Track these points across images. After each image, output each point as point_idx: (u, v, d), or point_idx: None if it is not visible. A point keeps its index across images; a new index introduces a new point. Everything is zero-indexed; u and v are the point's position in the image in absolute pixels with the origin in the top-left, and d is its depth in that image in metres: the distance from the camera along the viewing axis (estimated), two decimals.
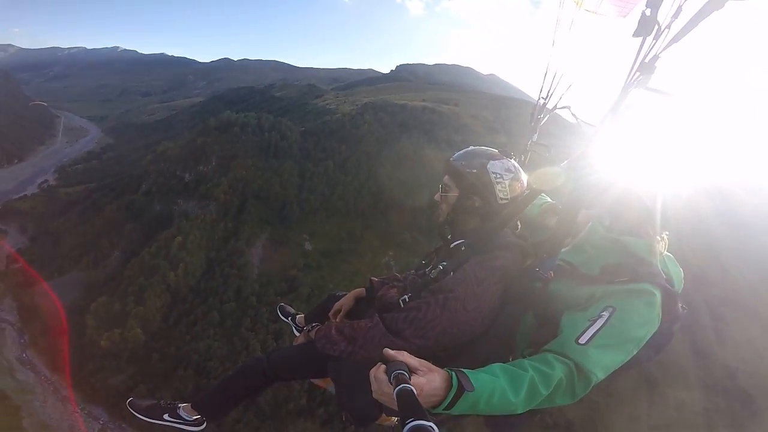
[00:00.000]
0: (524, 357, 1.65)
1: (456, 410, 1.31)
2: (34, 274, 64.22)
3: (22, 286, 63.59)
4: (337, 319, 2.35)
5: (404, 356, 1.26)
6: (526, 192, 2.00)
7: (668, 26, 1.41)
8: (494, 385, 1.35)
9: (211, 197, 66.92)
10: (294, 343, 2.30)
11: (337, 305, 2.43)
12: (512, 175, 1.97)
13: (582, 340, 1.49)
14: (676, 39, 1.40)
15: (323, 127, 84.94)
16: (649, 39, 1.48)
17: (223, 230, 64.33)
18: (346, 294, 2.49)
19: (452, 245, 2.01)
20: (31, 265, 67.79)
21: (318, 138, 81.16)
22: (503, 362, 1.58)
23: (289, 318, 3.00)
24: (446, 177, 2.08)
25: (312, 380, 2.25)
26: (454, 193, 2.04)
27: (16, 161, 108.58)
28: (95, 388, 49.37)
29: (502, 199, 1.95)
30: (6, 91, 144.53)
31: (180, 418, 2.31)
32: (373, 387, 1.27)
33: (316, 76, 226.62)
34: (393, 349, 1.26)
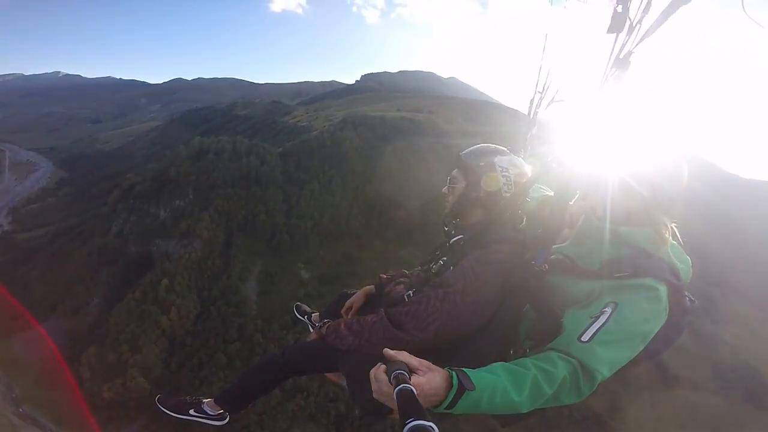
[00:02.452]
0: (525, 350, 1.72)
1: (457, 410, 1.32)
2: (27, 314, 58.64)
3: None
4: (348, 316, 2.45)
5: (404, 356, 1.28)
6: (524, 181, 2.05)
7: (639, 22, 1.44)
8: (495, 385, 1.35)
9: (193, 234, 63.05)
10: (307, 340, 2.29)
11: (348, 303, 2.52)
12: (518, 170, 2.06)
13: (584, 338, 1.48)
14: (647, 34, 1.42)
15: (302, 146, 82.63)
16: (623, 35, 1.52)
17: (212, 267, 60.82)
18: (356, 292, 2.56)
19: (452, 240, 2.09)
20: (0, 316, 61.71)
21: (299, 159, 78.77)
22: (504, 355, 1.72)
23: (305, 317, 3.09)
24: (455, 170, 2.18)
25: (326, 375, 2.26)
26: (461, 185, 2.14)
27: None
28: None
29: (506, 192, 2.02)
30: None
31: (204, 412, 2.43)
32: (374, 387, 1.28)
33: (278, 92, 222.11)
34: (396, 342, 1.33)
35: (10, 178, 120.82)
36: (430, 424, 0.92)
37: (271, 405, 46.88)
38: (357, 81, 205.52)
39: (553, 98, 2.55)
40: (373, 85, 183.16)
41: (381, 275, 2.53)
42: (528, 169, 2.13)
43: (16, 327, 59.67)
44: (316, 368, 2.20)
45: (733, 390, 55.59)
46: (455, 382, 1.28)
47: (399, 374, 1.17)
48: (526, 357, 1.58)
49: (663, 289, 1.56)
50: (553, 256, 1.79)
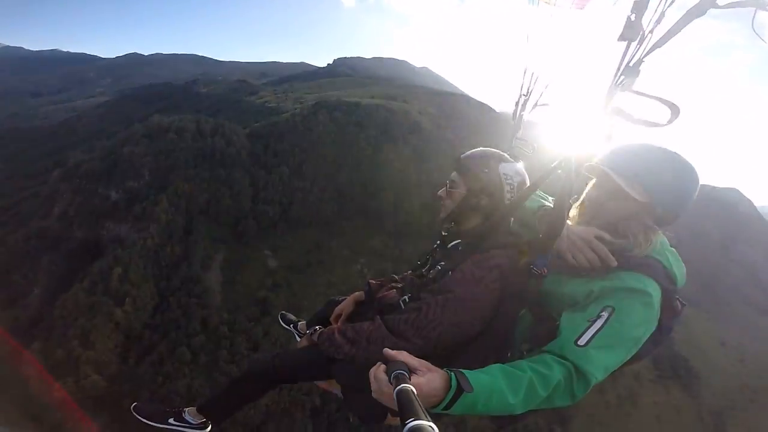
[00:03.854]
0: (522, 353, 1.78)
1: (454, 410, 1.34)
2: None
3: None
4: (338, 323, 2.30)
5: (404, 356, 1.29)
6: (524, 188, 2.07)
7: (651, 31, 1.44)
8: (493, 387, 1.37)
9: (149, 218, 57.60)
10: (297, 347, 2.24)
11: (337, 309, 2.43)
12: (521, 178, 2.04)
13: (581, 342, 1.50)
14: (659, 44, 1.42)
15: (272, 128, 77.81)
16: (633, 43, 1.51)
17: (171, 255, 55.94)
18: (345, 298, 2.47)
19: (449, 245, 2.05)
20: None
21: (267, 141, 74.22)
22: (502, 359, 1.74)
23: (291, 325, 2.93)
24: (455, 174, 2.11)
25: (317, 383, 2.22)
26: (461, 191, 2.08)
27: None
28: None
29: (509, 200, 2.01)
30: None
31: (185, 421, 2.29)
32: (373, 387, 1.29)
33: (243, 71, 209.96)
34: (395, 350, 1.32)
35: None
36: (430, 424, 0.92)
37: None
38: (329, 64, 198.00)
39: (536, 102, 2.51)
40: (345, 70, 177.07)
41: (370, 281, 2.43)
42: (528, 178, 2.08)
43: None
44: (307, 376, 2.13)
45: (670, 380, 60.19)
46: (454, 383, 1.29)
47: (399, 374, 1.17)
48: (527, 357, 1.61)
49: (657, 295, 1.57)
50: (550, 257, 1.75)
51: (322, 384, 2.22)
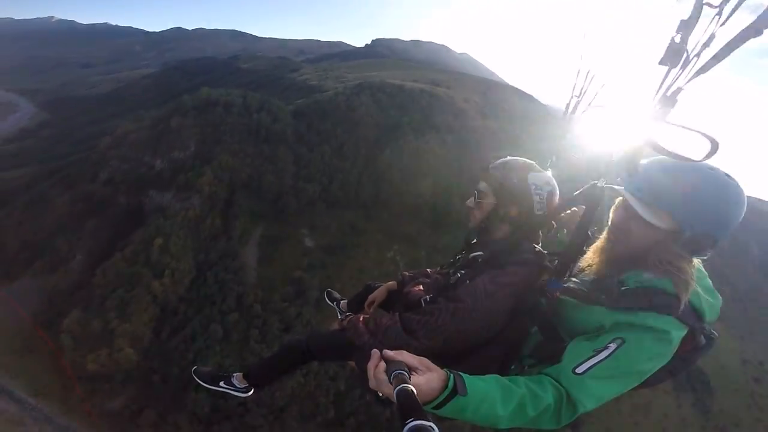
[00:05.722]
0: (524, 367, 1.86)
1: (443, 411, 1.34)
2: None
3: None
4: (371, 310, 2.63)
5: (404, 356, 1.30)
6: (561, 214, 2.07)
7: (697, 55, 1.32)
8: (486, 395, 1.37)
9: (192, 188, 57.21)
10: (330, 329, 2.39)
11: (371, 297, 2.67)
12: (550, 188, 2.03)
13: (579, 370, 1.50)
14: (704, 69, 1.33)
15: (315, 107, 75.92)
16: (675, 69, 1.42)
17: (211, 228, 55.42)
18: (380, 285, 2.70)
19: (471, 255, 2.08)
20: None
21: (311, 120, 72.47)
22: (505, 369, 1.83)
23: (335, 303, 3.23)
24: (483, 184, 2.13)
25: (349, 362, 2.35)
26: (490, 201, 2.10)
27: None
28: (93, 415, 42.49)
29: (538, 211, 2.01)
30: None
31: (233, 385, 2.63)
32: (372, 386, 1.30)
33: (282, 48, 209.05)
34: (405, 346, 1.37)
35: None
36: (430, 424, 0.94)
37: None
38: (367, 45, 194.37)
39: (590, 103, 2.35)
40: (383, 51, 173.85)
41: (404, 272, 2.60)
42: (558, 188, 2.10)
43: None
44: (334, 357, 2.33)
45: (684, 392, 58.42)
46: (450, 384, 1.30)
47: (399, 374, 1.18)
48: (523, 374, 1.66)
49: (678, 334, 1.51)
50: (570, 284, 1.75)
51: (351, 363, 2.27)
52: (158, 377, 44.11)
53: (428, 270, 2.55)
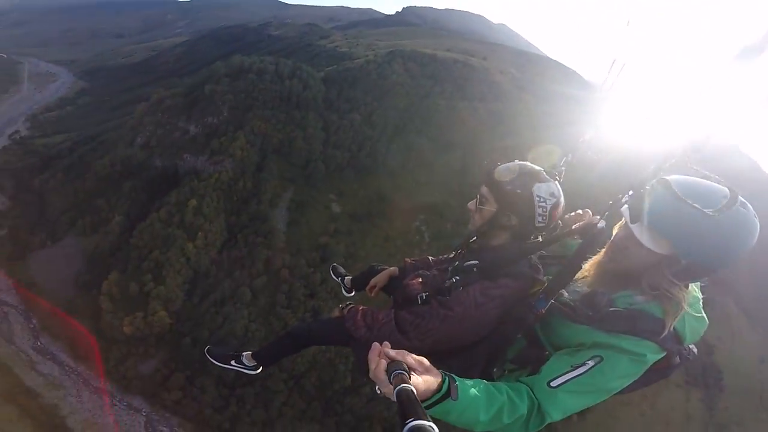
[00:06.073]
0: (505, 371, 1.95)
1: (430, 413, 1.35)
2: None
3: (14, 258, 54.79)
4: (373, 294, 2.79)
5: (404, 356, 1.31)
6: (562, 229, 2.06)
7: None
8: (473, 400, 1.41)
9: (225, 152, 57.71)
10: (331, 316, 2.47)
11: (373, 281, 2.76)
12: (555, 200, 1.99)
13: (554, 383, 1.55)
14: None
15: (345, 74, 74.37)
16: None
17: (242, 191, 56.08)
18: (384, 269, 2.77)
19: (466, 264, 2.07)
20: (18, 229, 58.62)
21: (341, 87, 71.12)
22: (488, 371, 1.91)
23: (339, 278, 3.28)
24: (485, 189, 2.08)
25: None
26: (491, 208, 2.07)
27: None
28: (128, 378, 44.49)
29: (539, 222, 1.99)
30: None
31: (242, 364, 2.80)
32: (377, 384, 1.31)
33: (311, 15, 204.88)
34: (396, 344, 1.38)
35: (29, 87, 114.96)
36: (430, 424, 0.94)
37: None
38: (398, 12, 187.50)
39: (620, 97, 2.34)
40: (413, 19, 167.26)
41: (406, 259, 2.66)
42: (563, 198, 2.04)
43: (33, 244, 56.80)
44: (334, 343, 2.43)
45: (696, 387, 57.33)
46: (444, 388, 1.33)
47: (399, 374, 1.20)
48: (505, 377, 1.76)
49: (653, 357, 1.56)
50: (562, 299, 1.78)
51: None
52: (188, 340, 45.50)
53: (430, 258, 2.58)
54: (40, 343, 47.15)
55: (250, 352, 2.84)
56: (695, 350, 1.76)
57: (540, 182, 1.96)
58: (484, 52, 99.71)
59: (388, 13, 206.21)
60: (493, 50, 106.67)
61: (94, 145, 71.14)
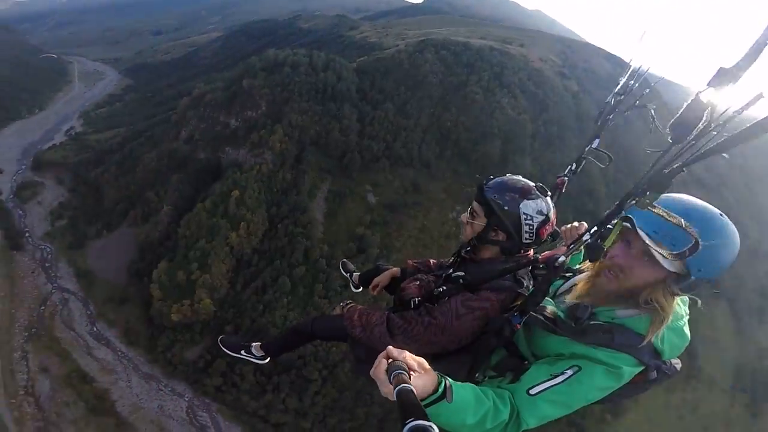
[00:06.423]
0: (485, 377, 1.99)
1: None
2: None
3: (73, 247, 59.11)
4: (375, 293, 2.97)
5: (405, 356, 1.33)
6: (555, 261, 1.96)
7: (711, 132, 1.31)
8: (464, 404, 1.44)
9: (264, 145, 59.52)
10: (333, 313, 2.62)
11: (375, 280, 2.93)
12: (542, 218, 2.03)
13: (533, 391, 1.60)
14: (708, 154, 1.27)
15: (377, 64, 74.29)
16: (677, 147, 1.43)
17: (282, 182, 57.77)
18: (388, 269, 2.91)
19: (454, 275, 2.17)
20: (77, 220, 63.16)
21: (373, 78, 71.21)
22: (472, 376, 1.96)
23: (349, 274, 3.46)
24: (476, 204, 2.15)
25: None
26: (480, 222, 2.14)
27: (37, 111, 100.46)
28: (173, 363, 46.91)
29: (527, 239, 2.05)
30: (12, 44, 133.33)
31: (252, 354, 3.02)
32: (377, 383, 1.33)
33: (338, 6, 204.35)
34: (384, 346, 1.40)
35: (80, 86, 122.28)
36: (430, 424, 0.94)
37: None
38: (425, 0, 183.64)
39: (636, 102, 2.21)
40: (442, 7, 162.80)
41: (408, 261, 2.77)
42: (553, 214, 2.08)
43: (90, 234, 60.85)
44: (334, 338, 2.64)
45: (741, 393, 55.03)
46: (441, 390, 1.35)
47: (399, 374, 1.20)
48: (486, 383, 1.81)
49: (630, 370, 1.60)
50: (546, 312, 1.80)
51: None
52: (231, 327, 47.49)
53: (432, 261, 2.69)
54: (96, 329, 50.53)
55: (259, 343, 3.05)
56: (678, 365, 1.77)
57: (528, 199, 2.01)
58: (521, 38, 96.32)
59: (415, 2, 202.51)
60: (531, 36, 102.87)
61: (142, 140, 75.04)
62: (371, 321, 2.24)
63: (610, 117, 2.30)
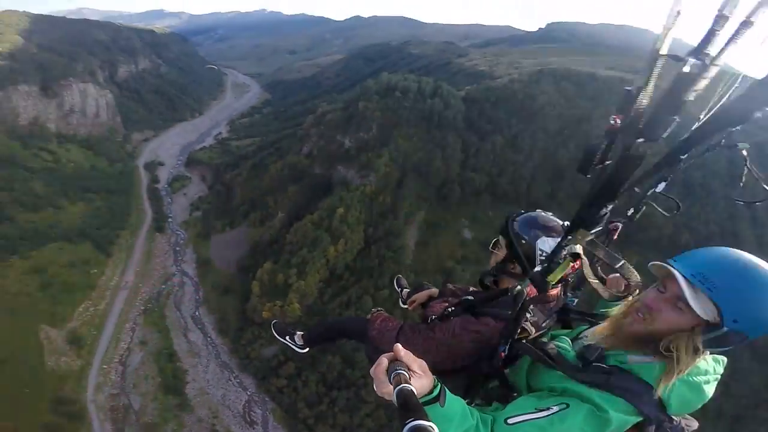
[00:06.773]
0: (473, 402, 2.02)
1: None
2: None
3: (201, 237, 69.55)
4: (411, 308, 3.10)
5: (409, 356, 1.34)
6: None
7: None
8: (453, 413, 1.45)
9: (371, 167, 63.38)
10: (363, 317, 2.85)
11: (413, 297, 3.08)
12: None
13: (511, 421, 1.56)
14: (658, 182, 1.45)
15: (487, 93, 73.58)
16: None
17: (382, 204, 60.64)
18: (428, 287, 3.05)
19: (463, 298, 2.32)
20: (208, 214, 74.59)
21: (482, 107, 70.66)
22: (466, 397, 1.90)
23: (400, 290, 3.66)
24: (501, 237, 2.31)
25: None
26: (501, 253, 2.29)
27: (197, 115, 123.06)
28: (250, 357, 50.71)
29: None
30: (186, 54, 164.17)
31: (294, 341, 3.34)
32: (374, 382, 1.35)
33: (447, 33, 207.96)
34: (389, 351, 1.41)
35: (231, 96, 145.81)
36: (431, 424, 0.96)
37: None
38: (540, 29, 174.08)
39: (722, 141, 1.80)
40: (561, 35, 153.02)
41: (448, 284, 2.84)
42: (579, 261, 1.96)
43: (217, 228, 70.47)
44: (355, 337, 2.89)
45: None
46: (435, 392, 1.38)
47: (399, 374, 1.21)
48: (476, 408, 1.73)
49: (618, 417, 1.47)
50: (546, 347, 1.80)
51: None
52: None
53: (469, 288, 2.70)
54: (198, 313, 56.54)
55: (302, 333, 3.35)
56: (691, 427, 1.63)
57: (549, 237, 2.06)
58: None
59: (529, 30, 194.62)
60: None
61: (272, 150, 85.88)
62: (387, 326, 2.45)
63: (684, 157, 1.79)
